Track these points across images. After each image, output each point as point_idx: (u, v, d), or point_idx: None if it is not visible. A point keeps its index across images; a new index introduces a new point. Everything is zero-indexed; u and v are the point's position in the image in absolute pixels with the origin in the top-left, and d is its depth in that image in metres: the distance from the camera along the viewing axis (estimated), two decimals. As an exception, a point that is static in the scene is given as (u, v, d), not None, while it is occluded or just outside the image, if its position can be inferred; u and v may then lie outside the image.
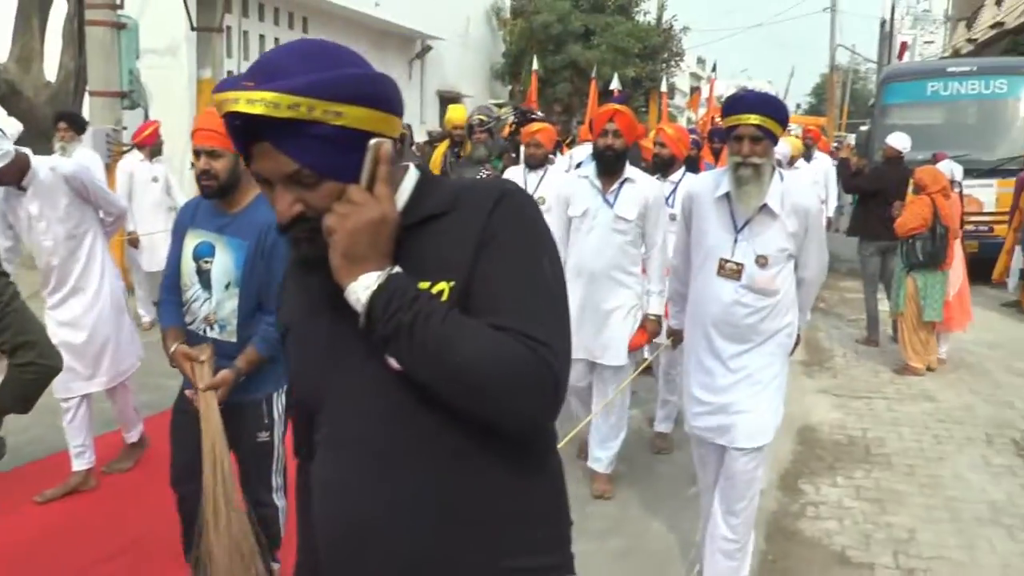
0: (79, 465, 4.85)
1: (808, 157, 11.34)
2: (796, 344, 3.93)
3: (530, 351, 1.38)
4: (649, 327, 4.94)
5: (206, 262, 3.34)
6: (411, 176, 1.57)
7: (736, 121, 3.56)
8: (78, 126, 7.76)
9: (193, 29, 13.00)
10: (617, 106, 4.99)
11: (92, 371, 4.81)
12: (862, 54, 45.10)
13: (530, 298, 1.45)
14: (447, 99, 21.26)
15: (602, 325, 4.91)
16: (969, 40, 26.72)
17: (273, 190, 1.45)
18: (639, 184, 4.89)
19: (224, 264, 3.32)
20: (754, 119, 3.49)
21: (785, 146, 7.35)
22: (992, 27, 23.53)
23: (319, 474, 1.58)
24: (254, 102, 1.34)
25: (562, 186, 5.22)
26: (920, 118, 12.58)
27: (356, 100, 1.39)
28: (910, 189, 8.05)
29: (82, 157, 7.12)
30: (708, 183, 3.80)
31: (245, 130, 1.40)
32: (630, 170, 4.93)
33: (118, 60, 10.41)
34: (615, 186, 4.89)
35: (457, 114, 9.42)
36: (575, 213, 4.95)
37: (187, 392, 3.28)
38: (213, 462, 3.09)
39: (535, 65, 14.62)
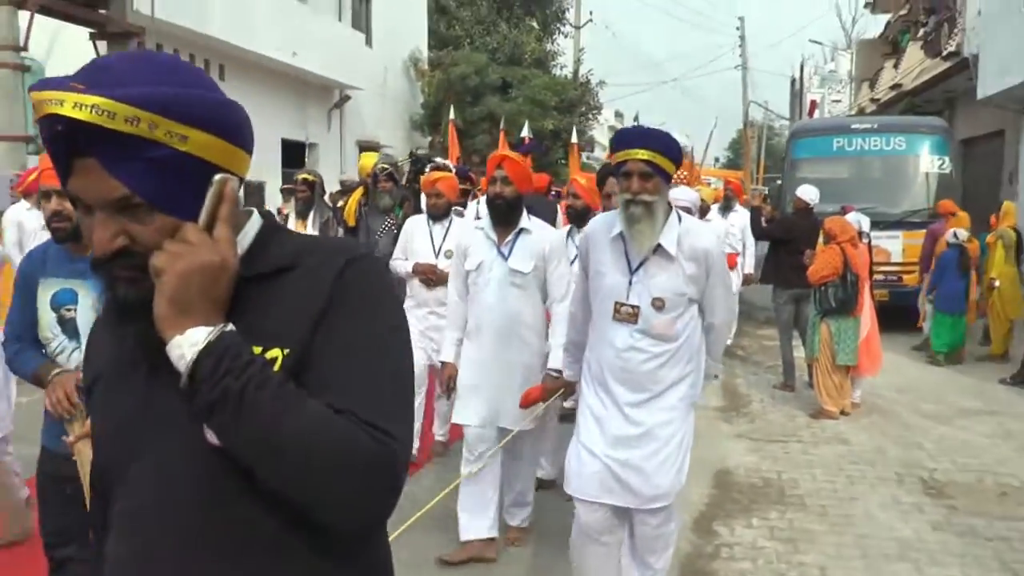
0: None
1: (729, 209, 11.37)
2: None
3: (374, 442, 1.21)
4: (549, 383, 4.44)
5: (68, 310, 3.17)
6: (254, 222, 1.40)
7: (624, 156, 3.38)
8: None
9: (103, 74, 12.74)
10: (507, 152, 4.78)
11: None
12: (775, 111, 46.67)
13: (375, 379, 1.28)
14: (366, 148, 21.23)
15: (502, 386, 4.57)
16: (872, 100, 27.79)
17: (91, 215, 1.24)
18: (536, 234, 4.63)
19: (92, 308, 3.14)
20: (643, 154, 3.32)
21: (693, 193, 7.12)
22: (892, 88, 24.53)
23: (114, 551, 1.35)
24: (83, 107, 1.14)
25: (460, 237, 4.95)
26: (828, 172, 12.97)
27: (205, 125, 1.23)
28: (820, 239, 8.23)
29: None
30: (603, 223, 3.64)
31: (68, 141, 1.19)
32: (527, 220, 4.67)
33: (22, 103, 10.13)
34: (510, 237, 4.61)
35: (369, 162, 9.22)
36: (471, 267, 4.65)
37: (64, 438, 3.07)
38: None
39: (451, 115, 14.64)
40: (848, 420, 7.88)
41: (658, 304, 3.41)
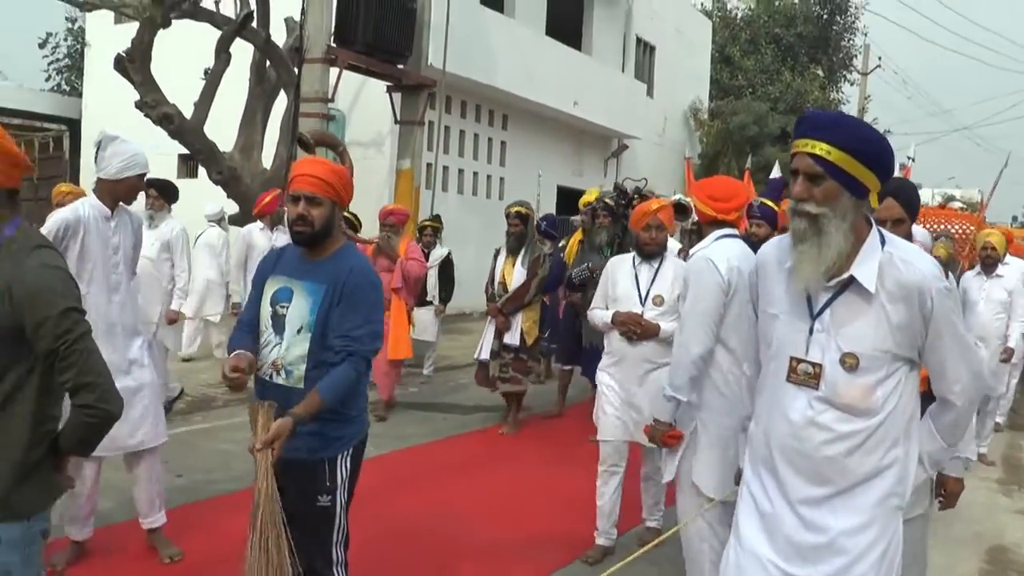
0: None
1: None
2: (944, 495, 3.32)
3: None
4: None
5: (282, 307, 3.28)
6: None
7: (795, 149, 2.50)
8: (168, 196, 7.36)
9: (396, 122, 13.81)
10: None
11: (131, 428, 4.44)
12: (1091, 162, 42.23)
13: None
14: (641, 198, 21.46)
15: None
16: None
17: None
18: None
19: (300, 308, 3.24)
20: (817, 148, 2.41)
21: (923, 232, 4.88)
22: None
23: None
24: None
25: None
26: None
27: None
28: None
29: (168, 227, 7.12)
30: (777, 249, 2.70)
31: None
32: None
33: (324, 149, 11.17)
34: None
35: (590, 196, 8.81)
36: None
37: (248, 449, 3.12)
38: (261, 527, 2.97)
39: (688, 154, 14.45)
40: None
41: (849, 362, 2.46)
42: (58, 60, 26.12)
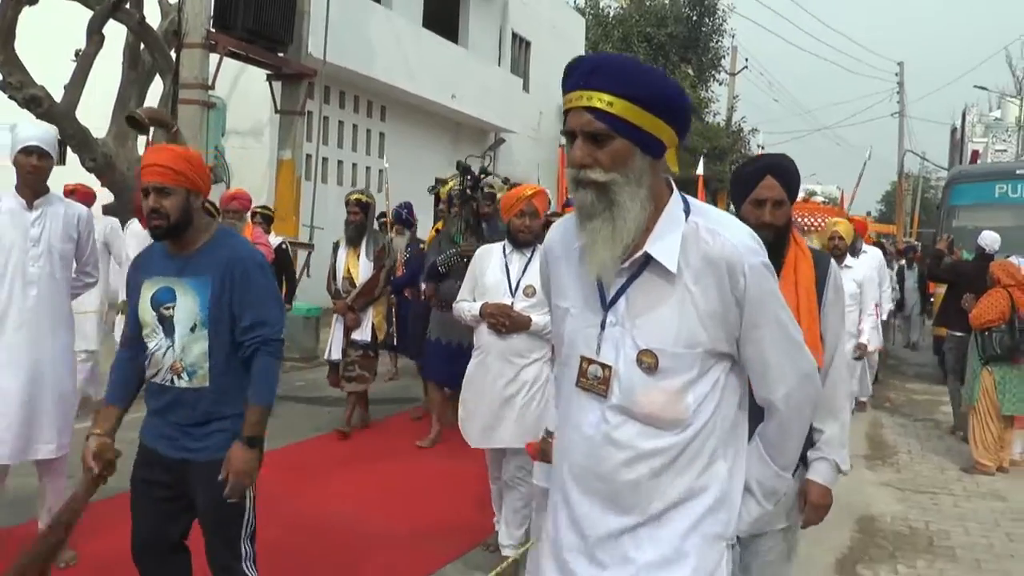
0: None
1: (855, 251, 8.94)
2: (807, 505, 2.76)
3: None
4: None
5: (167, 308, 3.11)
6: None
7: (568, 105, 1.90)
8: None
9: (277, 112, 13.60)
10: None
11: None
12: (933, 162, 44.86)
13: None
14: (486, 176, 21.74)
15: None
16: (1044, 150, 26.56)
17: None
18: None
19: (187, 306, 3.08)
20: (595, 99, 1.84)
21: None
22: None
23: None
24: None
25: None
26: (988, 220, 12.38)
27: None
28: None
29: None
30: (563, 231, 2.15)
31: None
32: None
33: (205, 136, 10.93)
34: None
35: (445, 188, 8.16)
36: None
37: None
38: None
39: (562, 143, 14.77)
40: (1007, 477, 7.51)
41: (647, 362, 1.93)
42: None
